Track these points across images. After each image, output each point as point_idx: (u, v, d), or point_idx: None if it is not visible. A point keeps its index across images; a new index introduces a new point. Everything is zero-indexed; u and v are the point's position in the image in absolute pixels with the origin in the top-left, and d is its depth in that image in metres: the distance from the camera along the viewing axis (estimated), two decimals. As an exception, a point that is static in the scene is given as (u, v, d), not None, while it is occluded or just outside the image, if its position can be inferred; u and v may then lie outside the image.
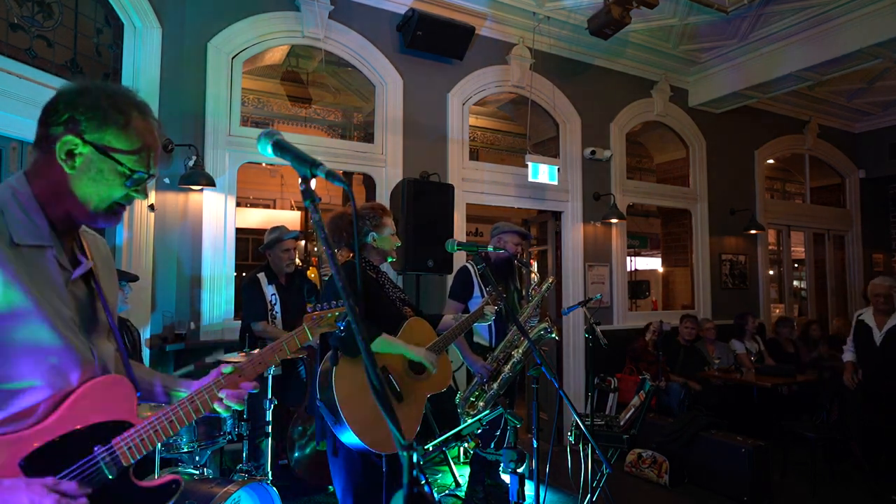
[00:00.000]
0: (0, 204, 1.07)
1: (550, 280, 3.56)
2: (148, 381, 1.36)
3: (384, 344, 2.25)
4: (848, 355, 4.50)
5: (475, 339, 3.65)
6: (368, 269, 2.48)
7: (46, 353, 1.05)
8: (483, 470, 3.75)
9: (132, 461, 1.12)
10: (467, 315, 2.74)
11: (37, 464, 1.02)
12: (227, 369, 1.31)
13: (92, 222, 1.17)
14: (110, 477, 1.09)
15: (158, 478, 1.19)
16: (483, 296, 3.63)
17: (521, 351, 3.36)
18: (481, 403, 3.28)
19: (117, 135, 1.11)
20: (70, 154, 1.09)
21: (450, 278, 4.06)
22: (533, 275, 3.58)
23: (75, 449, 1.06)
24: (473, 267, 3.74)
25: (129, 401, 1.15)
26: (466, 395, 3.34)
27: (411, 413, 2.28)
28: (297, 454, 3.53)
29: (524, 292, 3.68)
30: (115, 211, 1.16)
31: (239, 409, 1.37)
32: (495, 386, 3.30)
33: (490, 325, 3.60)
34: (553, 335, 3.37)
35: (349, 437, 2.09)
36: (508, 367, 3.32)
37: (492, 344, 3.57)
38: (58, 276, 1.11)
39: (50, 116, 1.10)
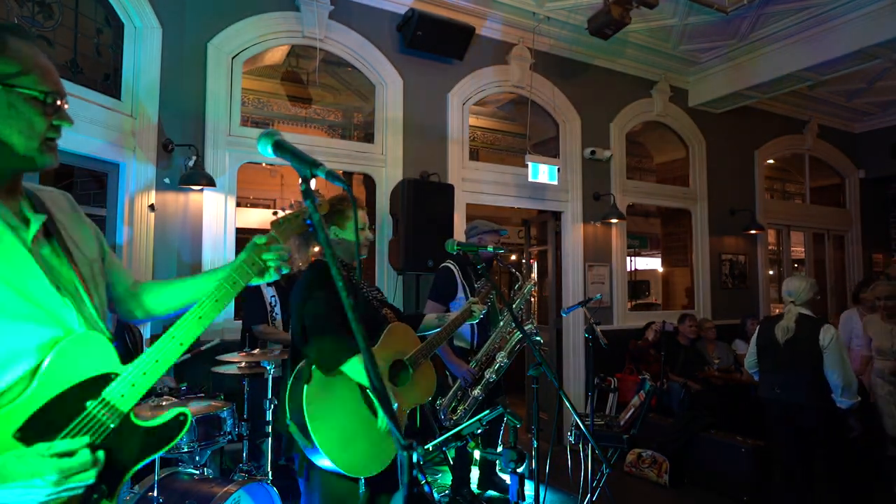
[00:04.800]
0: None
1: (530, 282, 3.47)
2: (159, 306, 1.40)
3: (355, 371, 1.93)
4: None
5: (455, 341, 3.51)
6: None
7: (19, 324, 1.03)
8: (467, 470, 3.71)
9: (130, 406, 1.12)
10: (453, 315, 2.47)
11: (32, 432, 1.01)
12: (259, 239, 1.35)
13: (29, 166, 1.09)
14: (112, 426, 1.10)
15: (164, 414, 1.20)
16: (466, 296, 3.52)
17: (504, 354, 3.27)
18: (461, 408, 3.19)
19: (2, 61, 1.03)
20: None
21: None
22: (521, 276, 3.53)
23: (67, 409, 1.06)
24: (455, 266, 3.63)
25: (106, 352, 1.14)
26: (447, 402, 3.23)
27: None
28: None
29: (510, 294, 3.62)
30: (49, 146, 1.10)
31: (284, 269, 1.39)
32: (477, 391, 3.20)
33: (473, 326, 3.51)
34: (537, 338, 3.18)
35: (322, 461, 1.93)
36: (491, 370, 3.23)
37: (473, 346, 3.49)
38: (11, 239, 1.06)
39: None
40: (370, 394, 2.01)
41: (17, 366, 1.03)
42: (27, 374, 1.04)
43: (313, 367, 1.95)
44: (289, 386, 2.00)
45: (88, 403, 1.09)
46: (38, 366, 1.05)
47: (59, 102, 1.09)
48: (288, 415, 1.97)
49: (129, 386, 1.13)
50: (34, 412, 1.03)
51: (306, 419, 1.87)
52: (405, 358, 2.21)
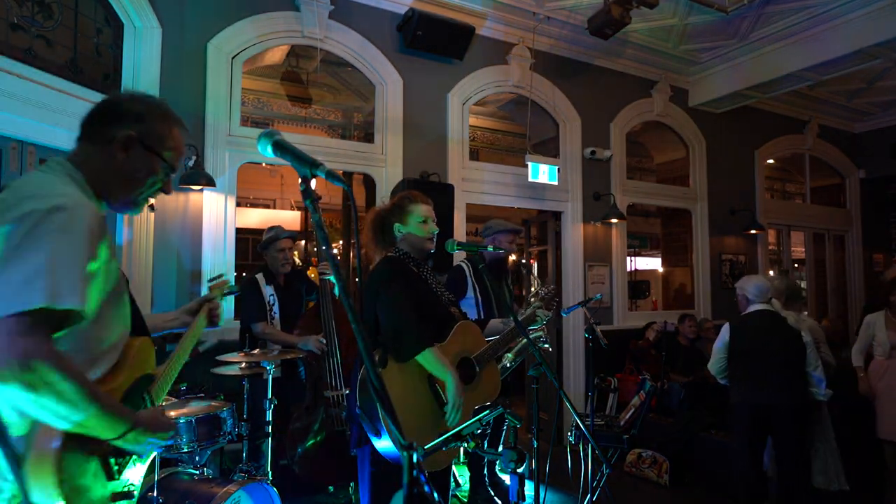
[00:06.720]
0: (79, 196, 1.20)
1: (550, 287, 3.51)
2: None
3: (430, 361, 2.07)
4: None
5: None
6: (410, 263, 2.27)
7: (122, 320, 1.31)
8: (482, 470, 3.72)
9: (155, 403, 1.43)
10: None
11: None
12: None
13: (125, 209, 1.39)
14: None
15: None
16: (476, 296, 3.55)
17: (510, 356, 3.29)
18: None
19: (163, 137, 1.35)
20: (126, 149, 1.30)
21: (450, 278, 4.05)
22: (534, 279, 3.54)
23: (138, 396, 1.35)
24: (468, 266, 3.67)
25: (152, 355, 1.43)
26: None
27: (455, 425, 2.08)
28: (299, 450, 3.52)
29: (524, 293, 3.65)
30: (137, 203, 1.40)
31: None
32: None
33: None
34: (546, 345, 3.23)
35: (388, 449, 1.95)
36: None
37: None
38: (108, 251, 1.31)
39: (110, 116, 1.32)
40: (438, 388, 2.11)
41: (112, 354, 1.27)
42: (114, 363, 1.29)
43: (387, 354, 2.03)
44: (360, 376, 2.07)
45: (145, 395, 1.37)
46: (123, 356, 1.30)
47: (170, 176, 1.40)
48: (358, 402, 2.04)
49: (156, 388, 1.42)
50: (125, 391, 1.29)
51: (377, 404, 1.94)
52: (472, 356, 2.26)
